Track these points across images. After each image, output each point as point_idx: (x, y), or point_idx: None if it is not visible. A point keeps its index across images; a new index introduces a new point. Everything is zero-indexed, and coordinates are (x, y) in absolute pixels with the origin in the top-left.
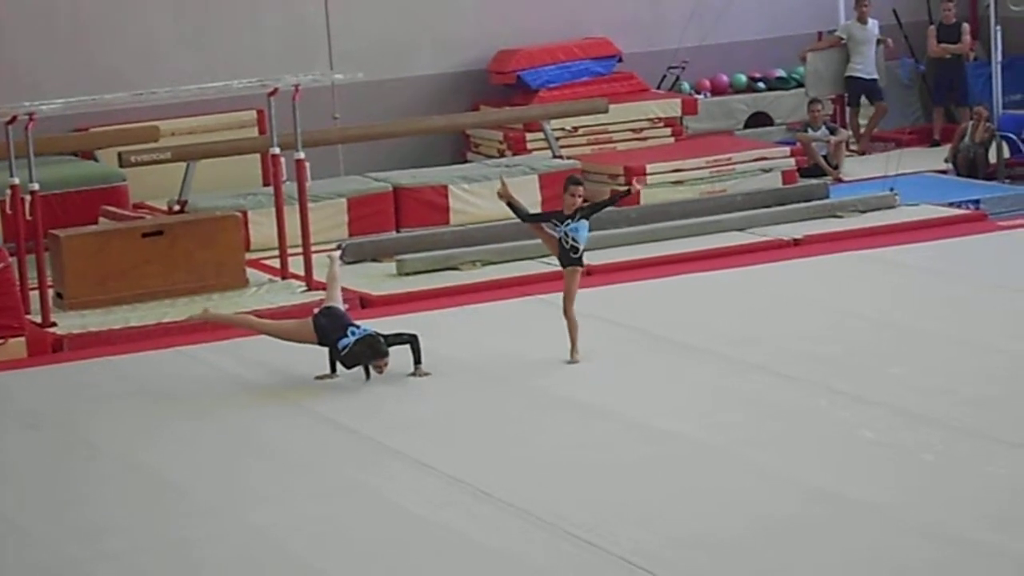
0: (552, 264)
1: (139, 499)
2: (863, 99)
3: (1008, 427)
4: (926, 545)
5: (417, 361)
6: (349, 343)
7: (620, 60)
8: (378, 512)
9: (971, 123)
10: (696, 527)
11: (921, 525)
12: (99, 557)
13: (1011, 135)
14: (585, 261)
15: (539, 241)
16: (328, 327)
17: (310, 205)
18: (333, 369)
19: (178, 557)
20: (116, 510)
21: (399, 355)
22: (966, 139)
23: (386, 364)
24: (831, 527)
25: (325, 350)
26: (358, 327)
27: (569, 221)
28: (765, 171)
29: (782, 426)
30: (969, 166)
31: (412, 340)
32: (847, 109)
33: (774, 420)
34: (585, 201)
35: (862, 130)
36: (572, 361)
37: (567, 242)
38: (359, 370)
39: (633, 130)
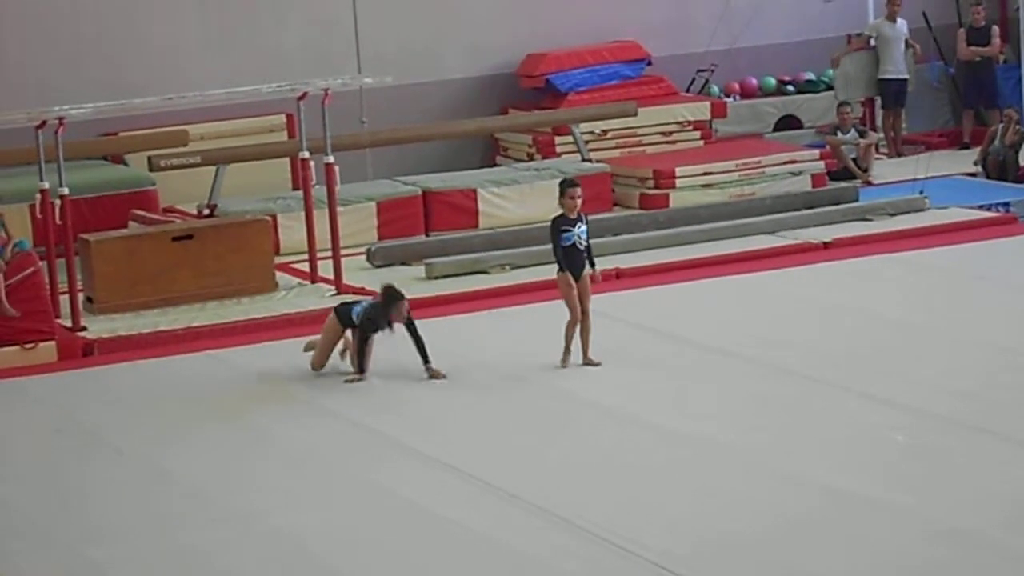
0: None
1: (161, 503)
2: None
3: None
4: (950, 546)
5: (425, 360)
6: (361, 308)
7: (649, 63)
8: (403, 515)
9: (1001, 125)
10: (724, 529)
11: (948, 528)
12: (117, 560)
13: None
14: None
15: None
16: (343, 310)
17: (339, 209)
18: (362, 369)
19: (197, 562)
20: (137, 513)
21: (413, 357)
22: (996, 142)
23: (407, 307)
24: (860, 529)
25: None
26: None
27: (579, 224)
28: (794, 174)
29: (812, 429)
30: (999, 169)
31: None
32: (879, 112)
33: (804, 423)
34: None
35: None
36: (593, 364)
37: (581, 244)
38: (384, 375)
39: (662, 133)
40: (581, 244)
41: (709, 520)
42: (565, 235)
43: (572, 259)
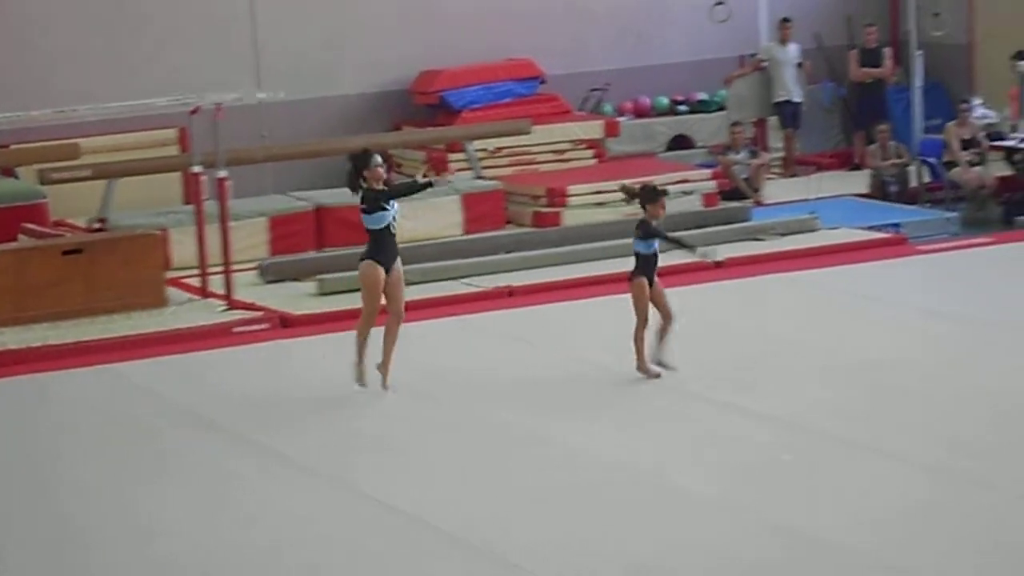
0: (476, 284)
1: (51, 516)
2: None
3: (925, 449)
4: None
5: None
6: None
7: (543, 81)
8: (302, 537)
9: (877, 144)
10: (617, 550)
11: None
12: None
13: (930, 159)
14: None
15: (461, 261)
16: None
17: (231, 224)
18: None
19: None
20: (25, 528)
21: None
22: (876, 160)
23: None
24: (742, 539)
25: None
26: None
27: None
28: (686, 194)
29: (705, 448)
30: (883, 188)
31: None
32: (771, 132)
33: (695, 442)
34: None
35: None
36: (668, 367)
37: (657, 253)
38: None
39: (555, 151)
40: (657, 254)
41: (615, 542)
42: (649, 242)
43: (648, 266)
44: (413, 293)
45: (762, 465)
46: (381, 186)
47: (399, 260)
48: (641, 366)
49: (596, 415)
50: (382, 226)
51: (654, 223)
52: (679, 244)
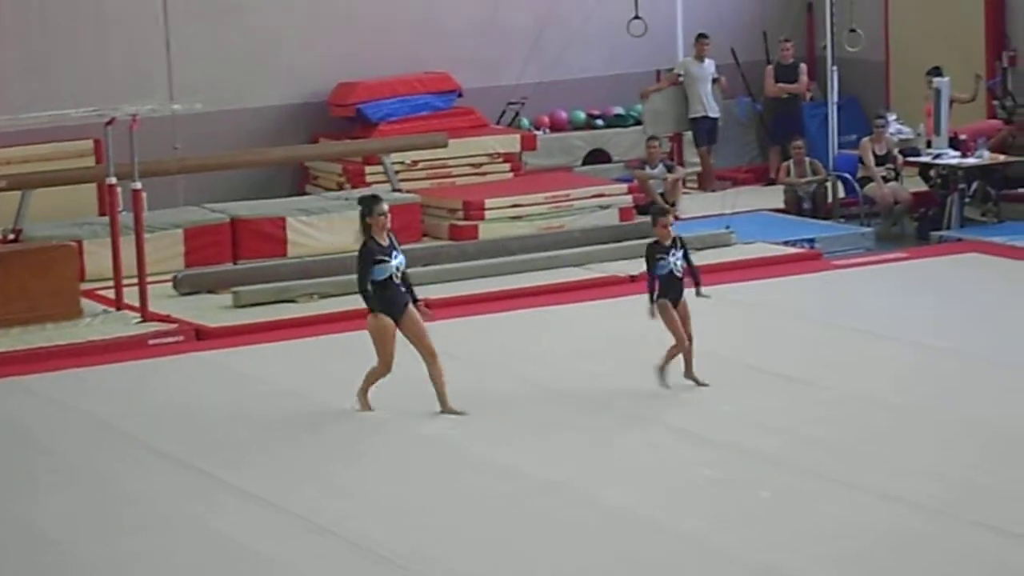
0: None
1: None
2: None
3: (839, 466)
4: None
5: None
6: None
7: (460, 95)
8: (206, 545)
9: (792, 160)
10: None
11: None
12: None
13: (846, 175)
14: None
15: None
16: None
17: (146, 235)
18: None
19: None
20: None
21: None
22: (791, 176)
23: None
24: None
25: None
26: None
27: (674, 250)
28: (603, 208)
29: (618, 462)
30: (798, 204)
31: None
32: (687, 147)
33: (609, 457)
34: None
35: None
36: (700, 383)
37: (678, 271)
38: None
39: (472, 165)
40: (678, 271)
41: (525, 549)
42: (660, 263)
43: (670, 286)
44: (330, 305)
45: (685, 482)
46: (385, 237)
47: (411, 304)
48: (687, 373)
49: (523, 431)
50: (383, 278)
51: (664, 242)
52: (692, 272)
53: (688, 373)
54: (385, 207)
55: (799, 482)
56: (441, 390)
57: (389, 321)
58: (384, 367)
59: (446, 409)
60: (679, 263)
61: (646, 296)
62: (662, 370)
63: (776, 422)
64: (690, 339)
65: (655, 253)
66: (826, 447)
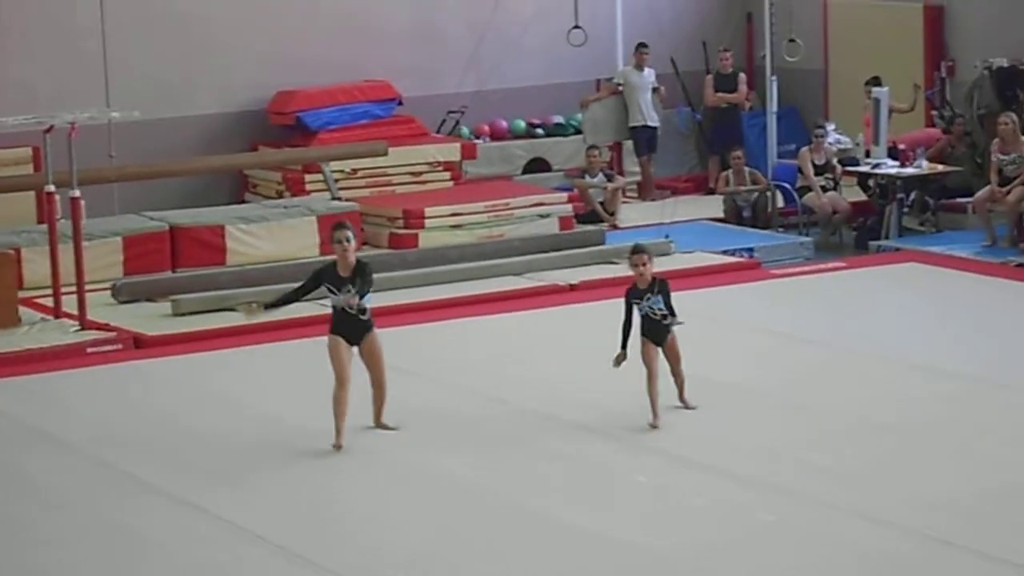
0: (326, 305)
1: None
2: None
3: (778, 470)
4: None
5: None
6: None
7: (400, 103)
8: (136, 551)
9: (732, 169)
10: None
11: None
12: None
13: (785, 184)
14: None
15: None
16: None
17: (85, 244)
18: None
19: None
20: None
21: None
22: (731, 185)
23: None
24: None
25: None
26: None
27: (649, 295)
28: (543, 216)
29: (560, 472)
30: (738, 213)
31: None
32: (626, 156)
33: (549, 465)
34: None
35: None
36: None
37: (655, 314)
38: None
39: (412, 173)
40: (655, 314)
41: (463, 562)
42: (638, 306)
43: (649, 327)
44: (271, 314)
45: (625, 492)
46: (348, 268)
47: (373, 335)
48: (653, 419)
49: (469, 443)
50: (332, 305)
51: (640, 286)
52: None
53: (680, 396)
54: (346, 235)
55: (730, 492)
56: (378, 408)
57: (339, 341)
58: (337, 382)
59: (378, 424)
60: (656, 307)
61: (581, 305)
62: (654, 416)
63: (712, 432)
64: (679, 375)
65: (630, 298)
66: (780, 459)
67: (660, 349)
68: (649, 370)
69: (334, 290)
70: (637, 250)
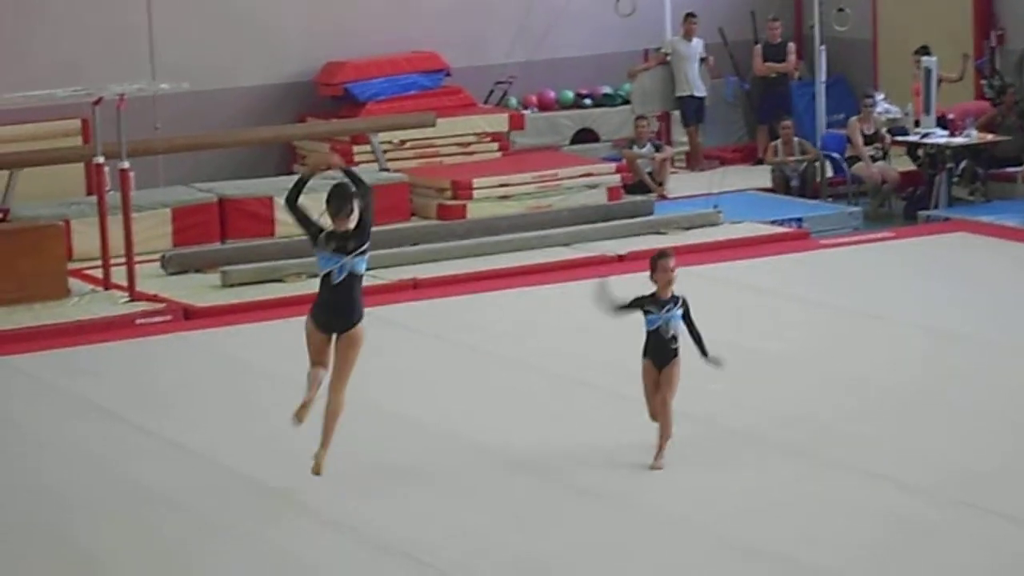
0: (381, 276)
1: None
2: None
3: (829, 445)
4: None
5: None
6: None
7: (448, 74)
8: (199, 522)
9: (780, 140)
10: (516, 545)
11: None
12: None
13: (834, 154)
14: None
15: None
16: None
17: (134, 215)
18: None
19: None
20: None
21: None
22: (779, 155)
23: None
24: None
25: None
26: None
27: (670, 306)
28: (591, 187)
29: (604, 443)
30: (785, 184)
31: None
32: (675, 126)
33: (595, 436)
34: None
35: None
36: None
37: (667, 332)
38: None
39: (460, 144)
40: (667, 331)
41: (496, 533)
42: (649, 317)
43: (656, 347)
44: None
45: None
46: (345, 231)
47: (357, 326)
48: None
49: (510, 410)
50: (321, 274)
51: (660, 296)
52: (693, 336)
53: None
54: (352, 206)
55: (783, 463)
56: (326, 441)
57: (316, 331)
58: (650, 411)
59: (317, 467)
60: (671, 323)
61: (631, 276)
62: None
63: (760, 402)
64: (664, 404)
65: (644, 305)
66: (827, 430)
67: (660, 372)
68: (649, 404)
69: (325, 249)
70: (667, 254)
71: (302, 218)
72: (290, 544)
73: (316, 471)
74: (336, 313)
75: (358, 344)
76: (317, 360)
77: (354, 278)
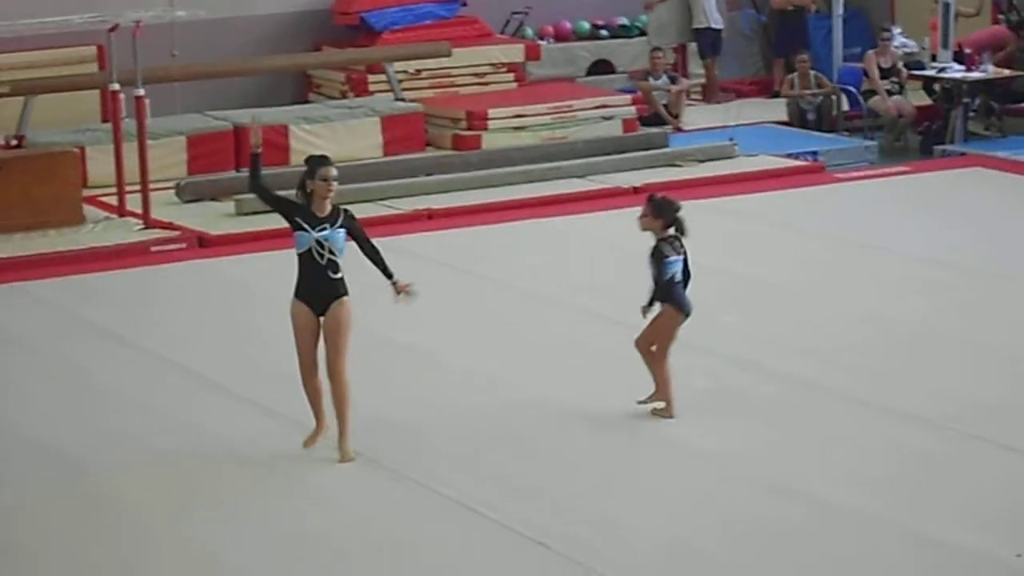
0: (396, 206)
1: None
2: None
3: (845, 380)
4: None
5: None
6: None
7: (464, 4)
8: (213, 450)
9: (797, 73)
10: (535, 478)
11: (764, 476)
12: None
13: (850, 87)
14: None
15: (380, 184)
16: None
17: (149, 143)
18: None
19: None
20: None
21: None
22: (795, 89)
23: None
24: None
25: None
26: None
27: (682, 248)
28: (606, 119)
29: (622, 376)
30: (801, 117)
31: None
32: (691, 58)
33: (613, 369)
34: None
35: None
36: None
37: (678, 276)
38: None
39: (476, 74)
40: (678, 277)
41: (510, 462)
42: (668, 262)
43: (680, 291)
44: None
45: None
46: (327, 207)
47: (343, 303)
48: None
49: (521, 344)
50: (300, 251)
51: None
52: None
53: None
54: (332, 172)
55: (794, 395)
56: (343, 428)
57: (303, 309)
58: (301, 367)
59: (344, 456)
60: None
61: None
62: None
63: (771, 334)
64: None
65: (663, 251)
66: (834, 364)
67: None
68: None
69: (305, 226)
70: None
71: (270, 198)
72: (298, 470)
73: (344, 459)
74: (323, 291)
75: (346, 325)
76: (307, 357)
77: (334, 252)
